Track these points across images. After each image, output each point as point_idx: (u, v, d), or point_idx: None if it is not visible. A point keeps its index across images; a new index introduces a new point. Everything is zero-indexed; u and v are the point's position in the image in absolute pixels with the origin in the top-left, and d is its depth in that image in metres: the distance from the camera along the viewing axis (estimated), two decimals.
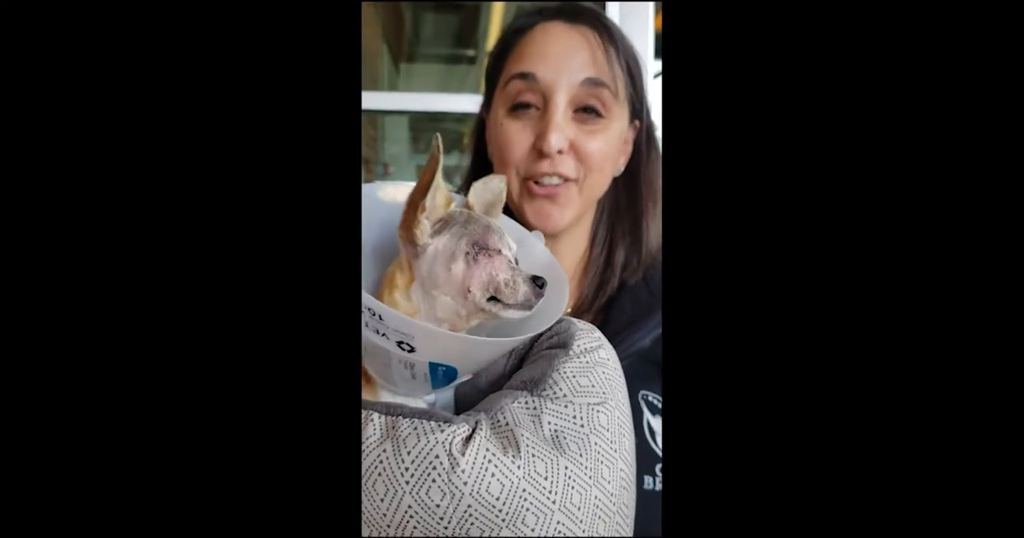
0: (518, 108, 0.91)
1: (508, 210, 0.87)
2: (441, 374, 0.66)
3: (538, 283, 0.66)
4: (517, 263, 0.70)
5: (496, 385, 0.73)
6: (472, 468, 0.59)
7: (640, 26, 1.80)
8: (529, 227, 0.91)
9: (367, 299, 0.61)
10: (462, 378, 0.70)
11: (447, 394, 0.74)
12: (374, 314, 0.62)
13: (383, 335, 0.63)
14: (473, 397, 0.72)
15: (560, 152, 0.89)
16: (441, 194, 0.69)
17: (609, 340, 0.77)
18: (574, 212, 0.94)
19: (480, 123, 1.03)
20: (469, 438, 0.61)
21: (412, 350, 0.63)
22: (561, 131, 0.89)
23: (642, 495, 0.72)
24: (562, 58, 0.90)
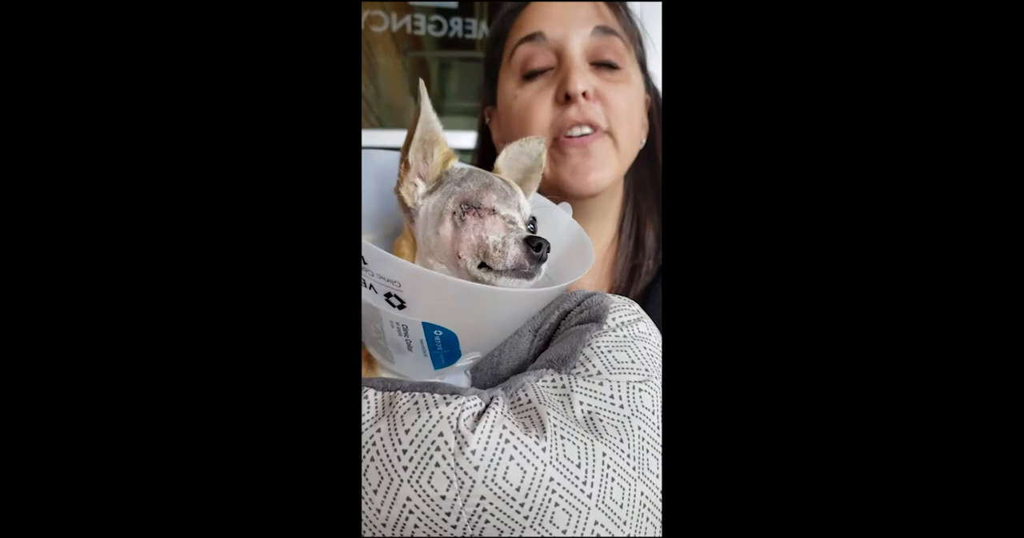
0: (531, 76, 0.84)
1: None
2: (440, 343, 0.55)
3: (533, 245, 0.53)
4: (532, 225, 0.59)
5: (518, 372, 0.61)
6: (485, 449, 0.47)
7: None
8: (564, 192, 0.82)
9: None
10: (467, 355, 0.58)
11: (459, 381, 0.62)
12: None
13: (371, 287, 0.53)
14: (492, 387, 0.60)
15: (586, 96, 0.80)
16: (439, 150, 0.60)
17: None
18: (612, 171, 0.83)
19: (482, 124, 0.95)
20: (482, 414, 0.49)
21: (402, 305, 0.53)
22: (584, 74, 0.81)
23: None
24: (566, 14, 0.83)
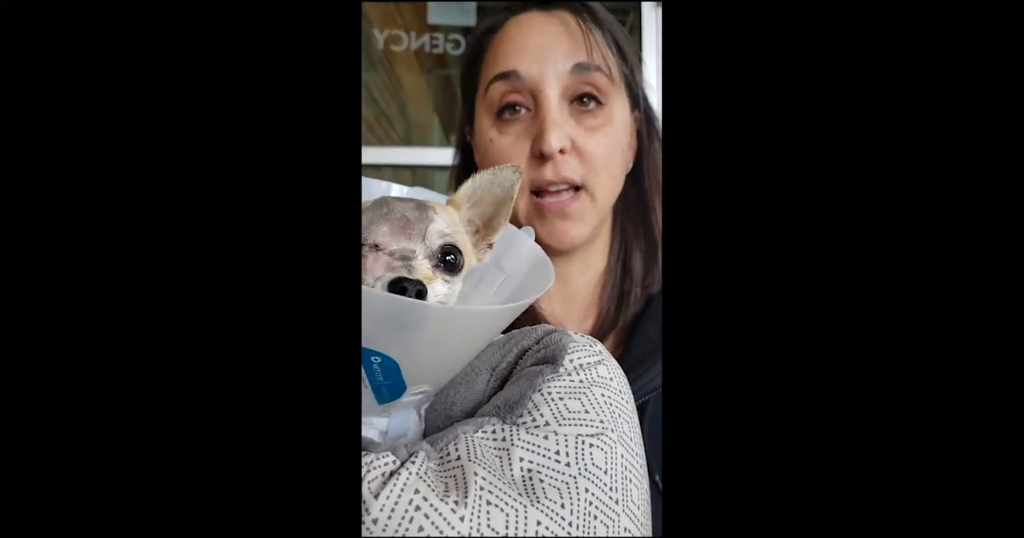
0: (505, 111, 0.78)
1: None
2: (380, 372, 0.48)
3: (395, 289, 0.47)
4: (448, 257, 0.53)
5: (472, 414, 0.55)
6: (389, 518, 0.40)
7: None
8: (544, 247, 0.77)
9: None
10: (414, 388, 0.51)
11: (409, 423, 0.56)
12: None
13: None
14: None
15: (563, 152, 0.75)
16: None
17: (627, 370, 0.59)
18: (590, 226, 0.79)
19: (463, 141, 0.90)
20: (393, 474, 0.43)
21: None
22: (560, 127, 0.75)
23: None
24: (544, 48, 0.77)
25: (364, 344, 0.47)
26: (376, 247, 0.50)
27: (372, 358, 0.48)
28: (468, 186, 0.60)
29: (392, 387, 0.51)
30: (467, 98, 0.86)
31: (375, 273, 0.49)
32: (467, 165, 0.89)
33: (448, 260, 0.53)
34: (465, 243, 0.57)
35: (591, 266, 0.84)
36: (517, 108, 0.78)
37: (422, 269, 0.50)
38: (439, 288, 0.52)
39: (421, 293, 0.47)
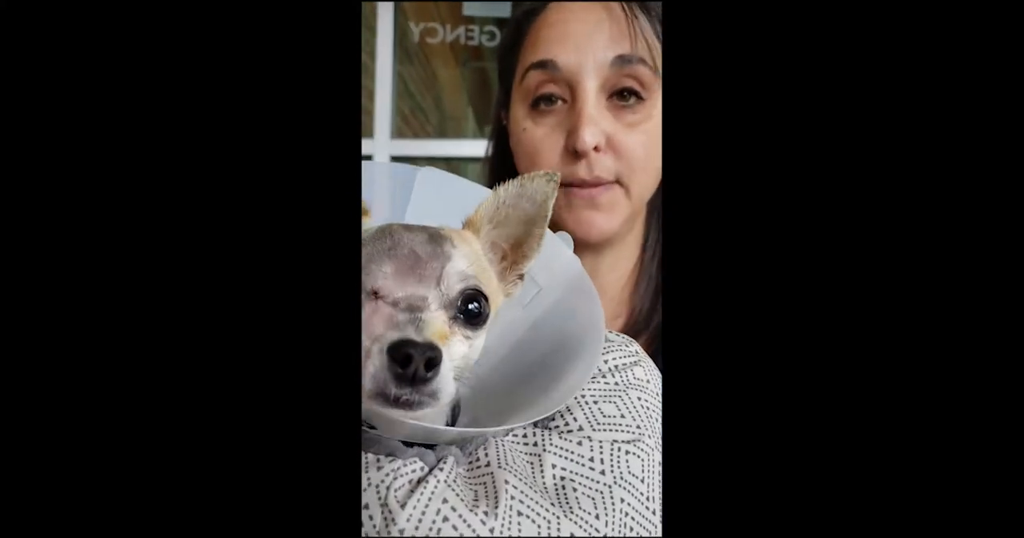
0: (540, 102, 0.76)
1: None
2: None
3: (398, 358, 0.36)
4: (470, 305, 0.43)
5: None
6: (416, 529, 0.39)
7: None
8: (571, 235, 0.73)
9: None
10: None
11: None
12: None
13: None
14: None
15: (597, 149, 0.72)
16: None
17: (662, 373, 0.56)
18: (621, 218, 0.76)
19: (498, 126, 0.87)
20: (421, 482, 0.41)
21: (373, 427, 0.43)
22: (595, 124, 0.72)
23: None
24: (584, 37, 0.73)
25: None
26: (376, 295, 0.40)
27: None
28: (491, 201, 0.50)
29: None
30: (504, 82, 0.83)
31: (373, 331, 0.38)
32: (501, 152, 0.87)
33: (470, 310, 0.43)
34: (490, 281, 0.48)
35: (622, 261, 0.81)
36: (553, 99, 0.75)
37: (435, 324, 0.39)
38: (457, 350, 0.42)
39: (432, 362, 0.37)
